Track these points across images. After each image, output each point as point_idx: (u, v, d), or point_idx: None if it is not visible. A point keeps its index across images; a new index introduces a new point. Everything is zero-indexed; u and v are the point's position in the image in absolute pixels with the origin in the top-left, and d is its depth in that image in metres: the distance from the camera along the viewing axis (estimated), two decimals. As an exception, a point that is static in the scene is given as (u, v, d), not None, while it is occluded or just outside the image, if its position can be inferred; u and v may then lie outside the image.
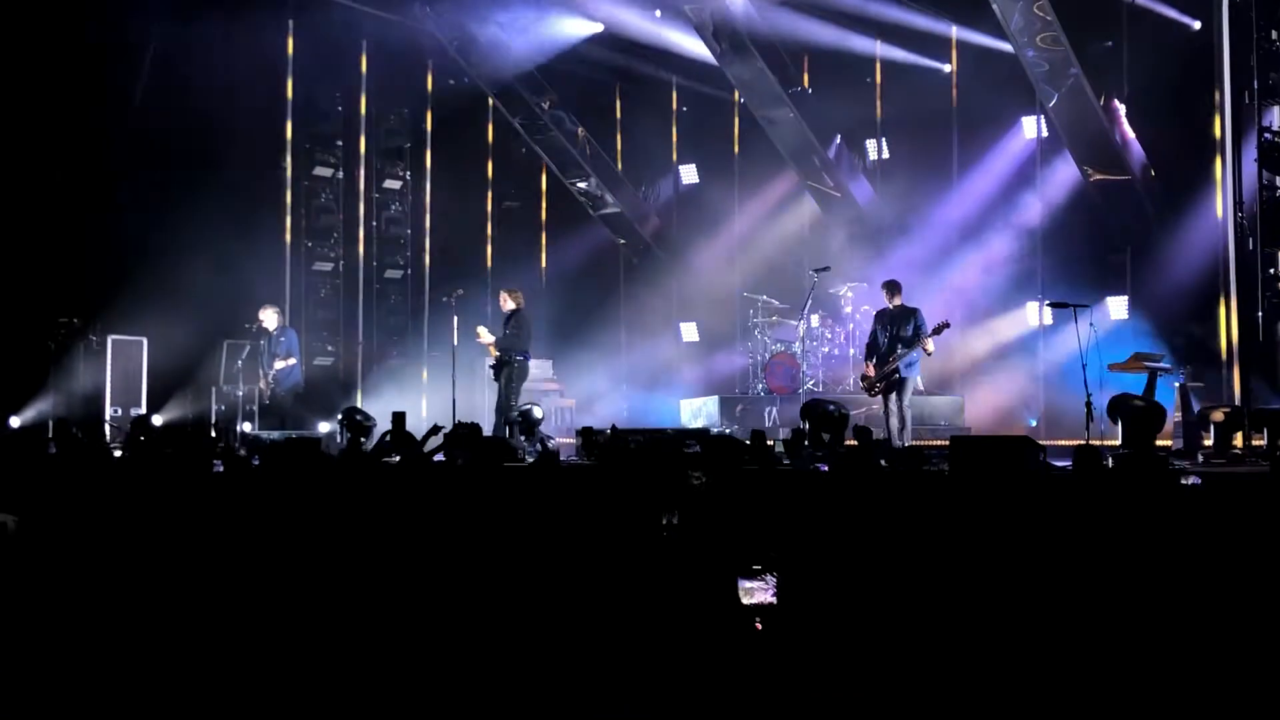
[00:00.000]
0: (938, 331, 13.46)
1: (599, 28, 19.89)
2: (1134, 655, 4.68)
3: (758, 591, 5.11)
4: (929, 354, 13.78)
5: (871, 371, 13.81)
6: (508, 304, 15.51)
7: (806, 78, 19.46)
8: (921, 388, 15.53)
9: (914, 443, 13.28)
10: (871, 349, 13.99)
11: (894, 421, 13.43)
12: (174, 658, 4.78)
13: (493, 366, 15.42)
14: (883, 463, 8.06)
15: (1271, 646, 4.58)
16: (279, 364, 15.85)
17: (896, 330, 13.69)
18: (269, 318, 16.03)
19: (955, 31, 18.85)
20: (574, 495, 5.97)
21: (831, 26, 19.09)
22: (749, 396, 18.24)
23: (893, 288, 14.04)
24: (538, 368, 20.14)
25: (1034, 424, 16.88)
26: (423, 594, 5.18)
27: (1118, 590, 4.89)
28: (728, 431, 15.85)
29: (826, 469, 9.41)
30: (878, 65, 20.05)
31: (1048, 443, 10.67)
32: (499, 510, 5.94)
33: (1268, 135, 13.70)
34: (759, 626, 4.92)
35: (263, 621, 4.93)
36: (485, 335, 15.30)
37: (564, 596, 5.00)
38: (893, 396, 13.63)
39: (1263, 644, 4.59)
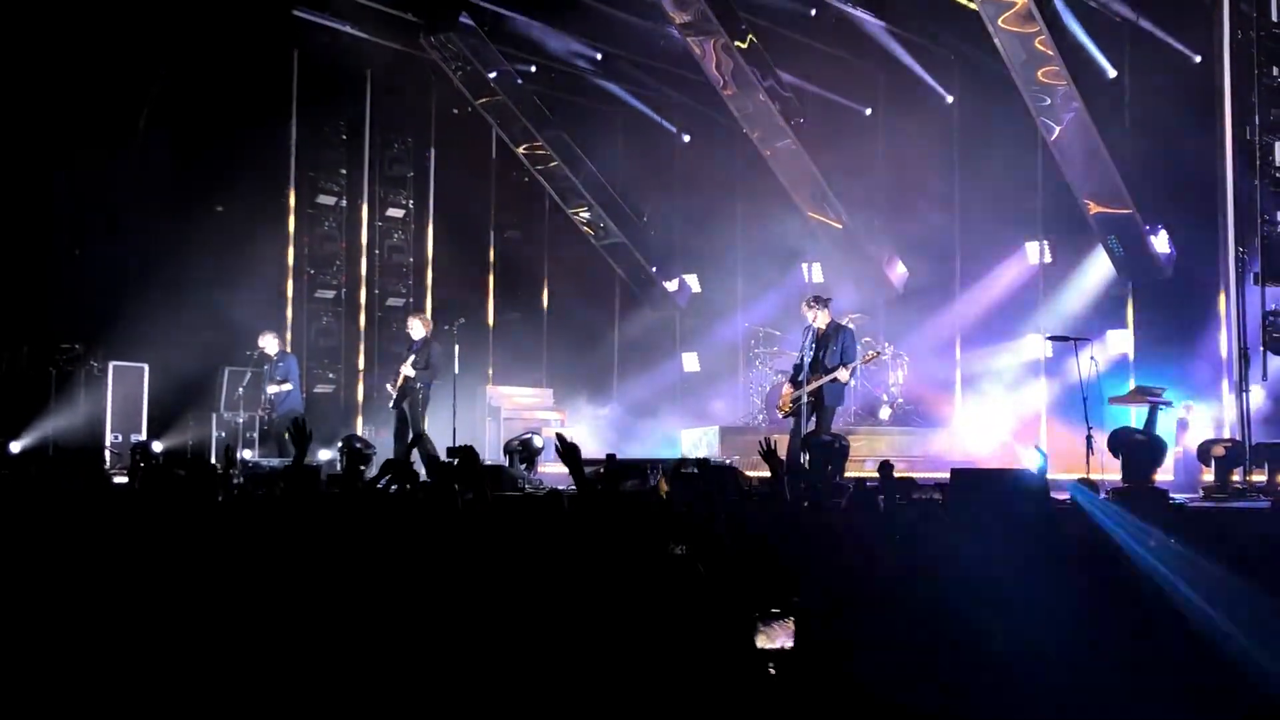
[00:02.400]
0: (866, 361, 12.85)
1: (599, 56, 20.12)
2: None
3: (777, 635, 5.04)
4: (845, 384, 12.88)
5: (789, 394, 13.03)
6: (420, 330, 15.38)
7: (809, 110, 19.47)
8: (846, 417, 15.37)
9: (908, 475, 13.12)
10: (797, 370, 13.17)
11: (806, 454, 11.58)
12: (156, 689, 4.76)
13: (397, 394, 15.15)
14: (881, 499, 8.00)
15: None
16: (272, 388, 15.89)
17: (820, 352, 12.87)
18: (268, 343, 16.08)
19: (957, 62, 18.92)
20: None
21: (836, 56, 19.22)
22: (750, 427, 18.23)
23: (820, 303, 13.15)
24: (538, 396, 20.19)
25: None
26: (418, 630, 5.13)
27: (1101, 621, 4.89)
28: (728, 462, 15.80)
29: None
30: (880, 95, 20.11)
31: (1048, 476, 10.66)
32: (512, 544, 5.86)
33: (1269, 171, 13.73)
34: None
35: (250, 655, 4.91)
36: (408, 369, 15.09)
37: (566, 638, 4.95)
38: (809, 424, 12.62)
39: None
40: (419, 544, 5.84)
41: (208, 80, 16.81)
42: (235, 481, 12.35)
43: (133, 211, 16.42)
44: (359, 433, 18.06)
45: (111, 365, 16.48)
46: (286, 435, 14.27)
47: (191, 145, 16.66)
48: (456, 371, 15.97)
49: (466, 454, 7.03)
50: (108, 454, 15.82)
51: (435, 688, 4.68)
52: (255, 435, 16.39)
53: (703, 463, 10.25)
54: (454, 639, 4.83)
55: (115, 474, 13.27)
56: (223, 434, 16.60)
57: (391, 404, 15.27)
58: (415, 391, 15.02)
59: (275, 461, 14.48)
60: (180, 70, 16.67)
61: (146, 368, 16.76)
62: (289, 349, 17.28)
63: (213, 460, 15.29)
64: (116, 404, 16.51)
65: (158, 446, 15.70)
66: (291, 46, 18.68)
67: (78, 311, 16.19)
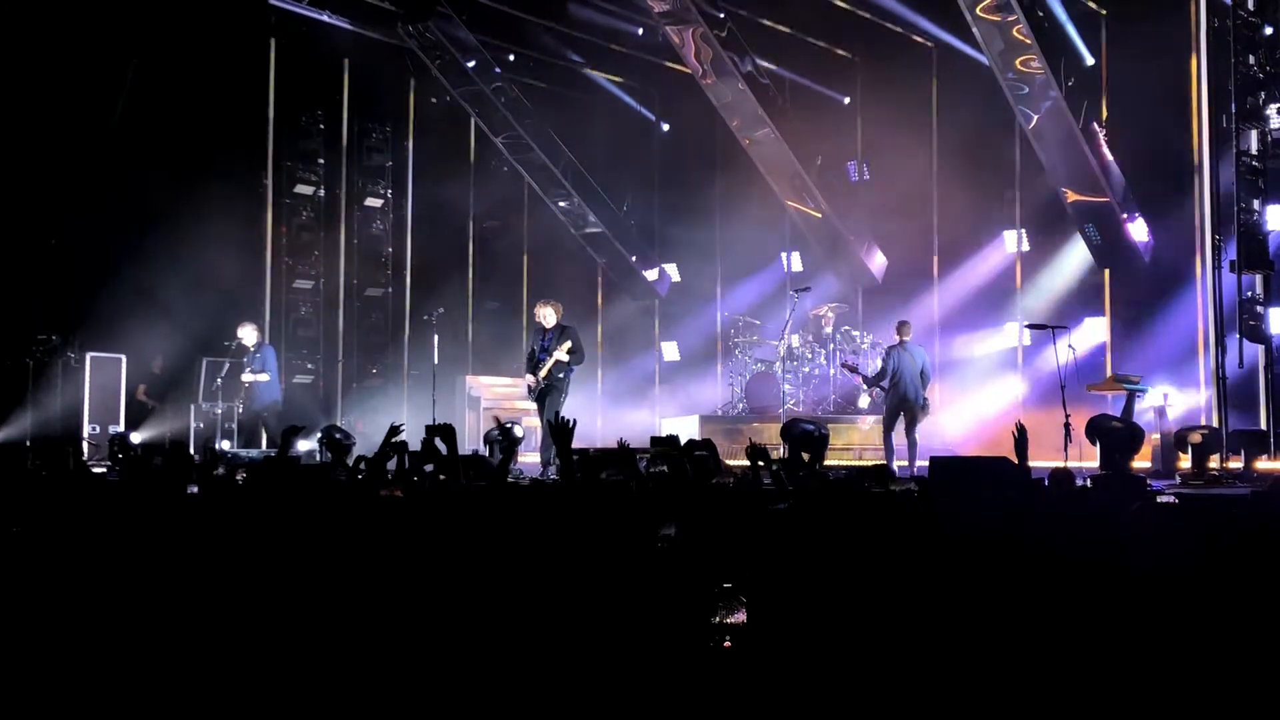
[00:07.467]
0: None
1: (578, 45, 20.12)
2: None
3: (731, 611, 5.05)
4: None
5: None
6: (553, 317, 14.26)
7: (787, 98, 19.47)
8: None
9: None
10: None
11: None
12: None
13: (541, 385, 14.17)
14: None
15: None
16: (248, 377, 15.86)
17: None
18: (247, 334, 16.04)
19: (935, 51, 18.95)
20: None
21: (814, 45, 19.24)
22: (729, 416, 18.25)
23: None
24: (518, 386, 20.16)
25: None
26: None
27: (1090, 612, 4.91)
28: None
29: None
30: (858, 84, 20.14)
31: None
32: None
33: (1245, 159, 13.79)
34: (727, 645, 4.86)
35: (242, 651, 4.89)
36: (562, 355, 13.91)
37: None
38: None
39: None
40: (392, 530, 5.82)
41: (184, 69, 16.69)
42: (218, 473, 12.30)
43: (109, 202, 16.31)
44: (338, 423, 18.01)
45: (89, 356, 16.39)
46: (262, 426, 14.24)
47: (168, 134, 16.55)
48: (435, 361, 15.96)
49: (446, 432, 6.89)
50: (85, 445, 15.74)
51: (418, 674, 4.68)
52: (234, 426, 16.34)
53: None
54: (436, 624, 4.83)
55: (94, 465, 13.21)
56: (200, 425, 16.56)
57: (533, 396, 14.41)
58: (559, 381, 14.02)
59: (255, 453, 14.43)
60: (157, 59, 16.55)
61: (124, 359, 16.68)
62: (267, 339, 17.20)
63: (191, 450, 15.26)
64: (94, 395, 16.42)
65: (136, 438, 15.66)
66: (269, 35, 18.60)
67: (54, 303, 16.11)
